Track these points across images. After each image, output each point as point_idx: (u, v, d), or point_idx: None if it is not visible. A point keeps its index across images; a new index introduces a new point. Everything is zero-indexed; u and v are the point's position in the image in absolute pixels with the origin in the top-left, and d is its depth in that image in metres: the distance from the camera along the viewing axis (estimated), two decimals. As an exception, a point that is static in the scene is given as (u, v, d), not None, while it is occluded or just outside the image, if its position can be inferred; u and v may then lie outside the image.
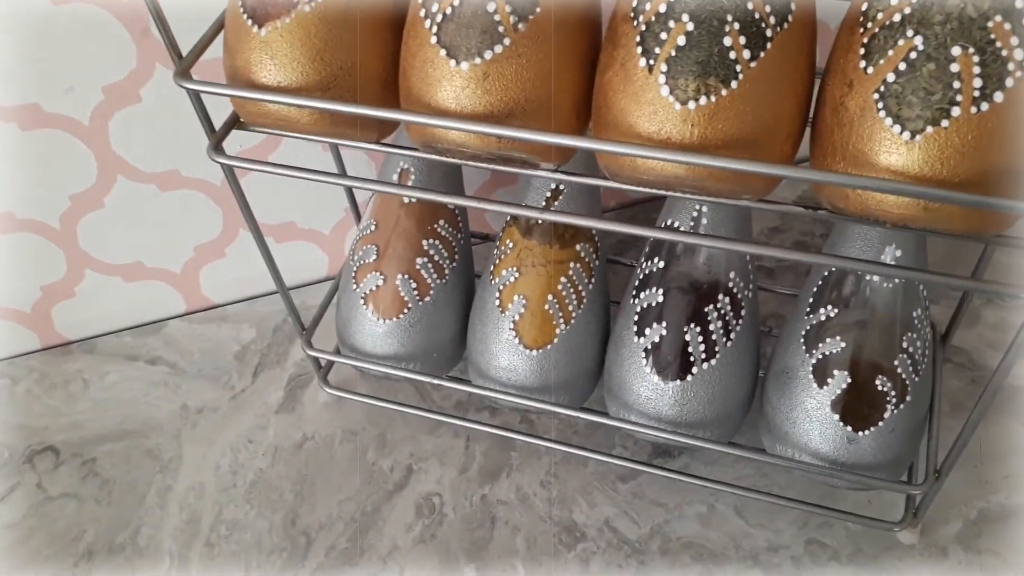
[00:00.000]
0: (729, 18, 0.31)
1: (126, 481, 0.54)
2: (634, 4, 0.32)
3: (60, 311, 0.60)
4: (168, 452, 0.56)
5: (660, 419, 0.45)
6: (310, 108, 0.36)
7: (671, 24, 0.31)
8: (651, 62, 0.32)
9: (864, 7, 0.31)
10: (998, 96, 0.28)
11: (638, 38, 0.32)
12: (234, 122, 0.40)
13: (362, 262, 0.50)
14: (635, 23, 0.32)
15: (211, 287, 0.62)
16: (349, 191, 0.57)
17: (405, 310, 0.50)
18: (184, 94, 0.38)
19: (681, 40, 0.31)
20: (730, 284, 0.45)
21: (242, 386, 0.59)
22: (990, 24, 0.28)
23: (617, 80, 0.33)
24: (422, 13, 0.34)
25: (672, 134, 0.32)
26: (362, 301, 0.50)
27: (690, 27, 0.31)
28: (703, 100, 0.31)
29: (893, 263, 0.43)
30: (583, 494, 0.51)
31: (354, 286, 0.51)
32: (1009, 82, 0.28)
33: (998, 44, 0.28)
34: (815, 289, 0.45)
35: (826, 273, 0.45)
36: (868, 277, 0.44)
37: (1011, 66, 0.28)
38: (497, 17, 0.33)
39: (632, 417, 0.46)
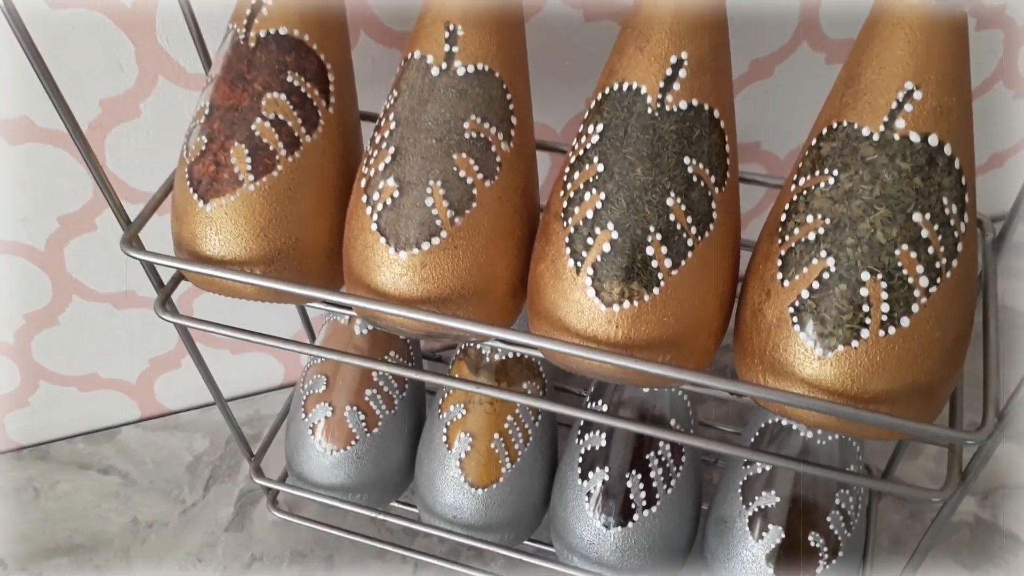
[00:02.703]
0: (652, 228, 0.32)
1: (71, 602, 0.54)
2: (564, 206, 0.33)
3: (13, 419, 0.60)
4: (116, 570, 0.56)
5: (602, 564, 0.46)
6: (252, 284, 0.36)
7: (597, 231, 0.32)
8: (579, 264, 0.33)
9: (783, 218, 0.32)
10: (904, 321, 0.30)
11: (567, 239, 0.33)
12: (179, 279, 0.41)
13: (311, 392, 0.51)
14: (565, 224, 0.33)
15: (166, 395, 0.63)
16: (302, 308, 0.58)
17: (353, 442, 0.50)
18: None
19: (606, 247, 0.32)
20: (671, 425, 0.46)
21: (193, 499, 0.59)
22: (897, 252, 0.30)
23: (548, 275, 0.34)
24: (364, 199, 0.35)
25: (598, 333, 0.33)
26: (310, 431, 0.51)
27: (615, 235, 0.32)
28: (627, 304, 0.32)
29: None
30: (527, 626, 0.52)
31: (303, 415, 0.51)
32: (915, 308, 0.30)
33: (904, 271, 0.30)
34: (752, 440, 0.46)
35: (761, 427, 0.46)
36: (804, 433, 0.45)
37: (916, 292, 0.30)
38: (435, 211, 0.34)
39: (575, 559, 0.47)
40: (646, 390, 0.47)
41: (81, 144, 0.35)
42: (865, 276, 0.30)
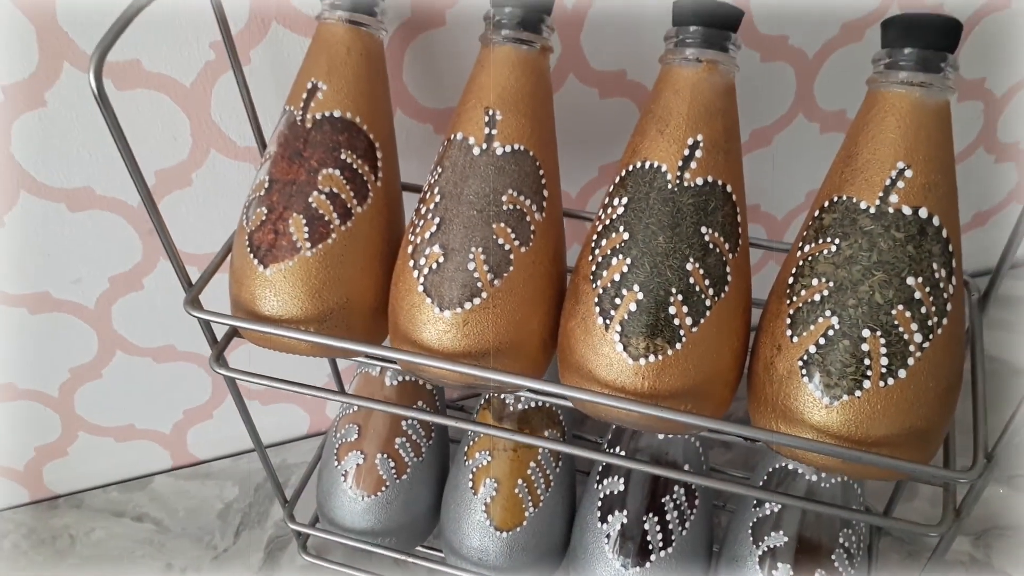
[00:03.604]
0: (673, 289, 0.36)
1: (110, 646, 0.56)
2: (593, 269, 0.37)
3: (51, 468, 0.63)
4: (151, 614, 0.58)
5: (620, 602, 0.49)
6: (307, 341, 0.40)
7: (624, 292, 0.36)
8: (607, 321, 0.36)
9: (791, 280, 0.36)
10: (902, 373, 0.33)
11: (596, 299, 0.37)
12: (231, 336, 0.44)
13: (344, 440, 0.54)
14: (594, 285, 0.37)
15: (197, 445, 0.66)
16: (333, 362, 0.61)
17: (383, 488, 0.53)
18: (180, 285, 0.42)
19: (633, 306, 0.36)
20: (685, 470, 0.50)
21: (224, 545, 0.62)
22: (894, 311, 0.33)
23: (579, 331, 0.37)
24: (411, 263, 0.39)
25: (626, 384, 0.36)
26: (343, 477, 0.54)
27: (640, 296, 0.36)
28: (652, 358, 0.36)
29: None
30: (549, 664, 0.54)
31: (336, 463, 0.54)
32: (911, 361, 0.33)
33: (901, 329, 0.33)
34: (761, 483, 0.50)
35: (768, 471, 0.49)
36: (809, 476, 0.48)
37: (912, 347, 0.33)
38: (476, 275, 0.38)
39: (594, 599, 0.50)
40: (660, 437, 0.51)
41: (153, 212, 0.39)
42: (866, 333, 0.33)
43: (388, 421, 0.54)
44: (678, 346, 0.36)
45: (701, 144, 0.36)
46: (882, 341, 0.33)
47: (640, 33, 0.50)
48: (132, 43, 0.44)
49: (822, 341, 0.34)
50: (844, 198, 0.35)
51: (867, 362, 0.33)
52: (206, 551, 0.61)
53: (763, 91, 0.57)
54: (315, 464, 0.60)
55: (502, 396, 0.54)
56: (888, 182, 0.34)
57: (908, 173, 0.34)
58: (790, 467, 0.49)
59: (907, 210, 0.34)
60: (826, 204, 0.36)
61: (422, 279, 0.39)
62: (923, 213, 0.34)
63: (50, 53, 0.43)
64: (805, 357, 0.35)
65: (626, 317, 0.36)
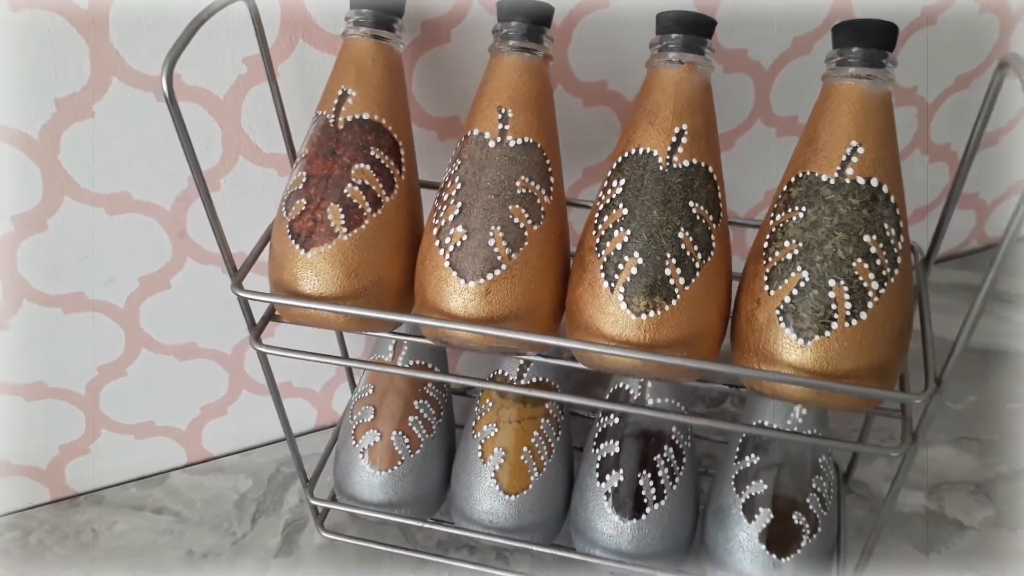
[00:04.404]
0: (668, 255, 0.42)
1: (143, 624, 0.60)
2: (597, 241, 0.43)
3: (73, 467, 0.67)
4: (177, 596, 0.62)
5: (620, 553, 0.54)
6: (350, 315, 0.45)
7: (626, 258, 0.42)
8: (612, 284, 0.42)
9: (766, 245, 0.42)
10: (863, 315, 0.40)
11: (601, 266, 0.43)
12: (270, 316, 0.49)
13: (360, 421, 0.59)
14: (599, 255, 0.43)
15: (211, 441, 0.70)
16: (340, 338, 0.66)
17: (399, 463, 0.58)
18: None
19: (633, 270, 0.42)
20: (673, 436, 0.56)
21: (242, 532, 0.66)
22: (854, 264, 0.40)
23: (587, 295, 0.43)
24: (436, 243, 0.45)
25: (630, 337, 0.42)
26: (361, 455, 0.58)
27: (640, 261, 0.42)
28: (651, 313, 0.42)
29: (800, 422, 0.54)
30: (554, 620, 0.59)
31: (353, 442, 0.59)
32: (870, 304, 0.40)
33: (860, 278, 0.40)
34: (740, 439, 0.56)
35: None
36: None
37: (870, 293, 0.40)
38: (496, 250, 0.44)
39: (596, 552, 0.55)
40: (649, 404, 0.57)
41: (208, 203, 0.44)
42: (832, 283, 0.40)
43: (401, 402, 0.59)
44: (673, 303, 0.42)
45: (686, 132, 0.43)
46: (845, 289, 0.40)
47: (619, 48, 0.57)
48: (173, 59, 0.50)
49: (795, 292, 0.41)
50: (808, 173, 0.42)
51: (833, 307, 0.40)
52: (225, 537, 0.65)
53: (726, 99, 0.64)
54: (330, 448, 0.65)
55: (504, 372, 0.59)
56: (844, 158, 0.41)
57: (860, 150, 0.41)
58: (766, 424, 0.55)
59: (861, 180, 0.41)
60: (792, 180, 0.42)
61: (448, 256, 0.44)
62: (874, 183, 0.41)
63: (101, 69, 0.48)
64: (781, 306, 0.41)
65: (628, 280, 0.42)
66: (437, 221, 0.45)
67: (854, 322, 0.40)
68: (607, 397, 0.58)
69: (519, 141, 0.45)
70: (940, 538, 0.62)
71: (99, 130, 0.51)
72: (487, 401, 0.59)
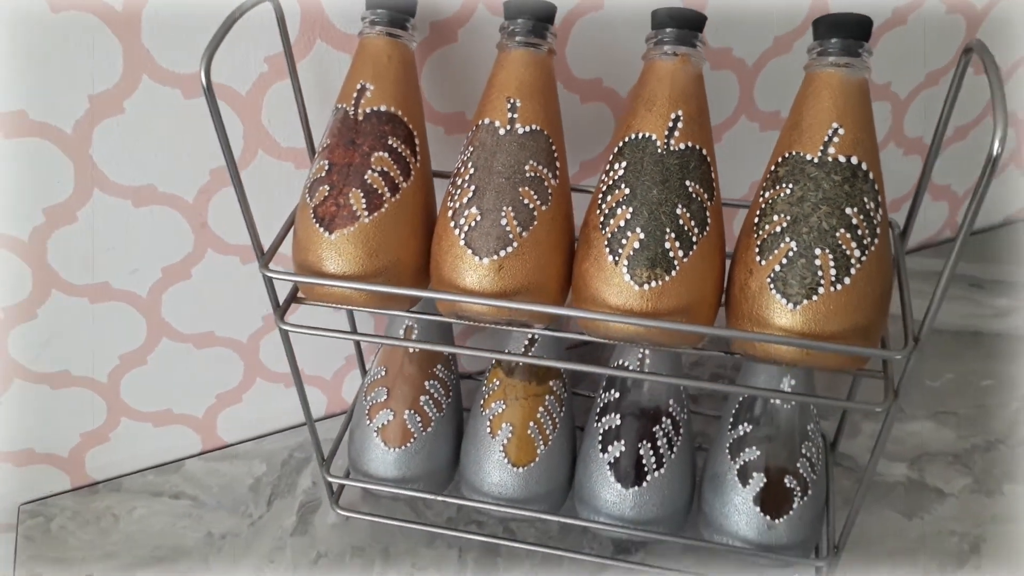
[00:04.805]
0: (667, 230, 0.45)
1: (167, 600, 0.63)
2: (601, 220, 0.47)
3: (93, 455, 0.69)
4: (199, 572, 0.64)
5: (623, 519, 0.58)
6: (371, 292, 0.48)
7: (629, 234, 0.46)
8: (616, 258, 0.46)
9: (756, 220, 0.46)
10: (847, 280, 0.44)
11: (606, 242, 0.46)
12: (294, 296, 0.53)
13: (374, 402, 0.62)
14: (603, 232, 0.47)
15: (226, 429, 0.73)
16: (357, 345, 0.69)
17: (411, 440, 0.61)
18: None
19: (636, 244, 0.45)
20: (670, 409, 0.59)
21: (259, 513, 0.69)
22: (838, 234, 0.44)
23: (593, 269, 0.47)
24: (452, 224, 0.48)
25: (633, 307, 0.46)
26: (375, 434, 0.62)
27: (641, 236, 0.45)
28: (653, 284, 0.45)
29: (790, 390, 0.58)
30: (560, 588, 0.62)
31: (368, 422, 0.62)
32: (853, 271, 0.44)
33: (843, 247, 0.44)
34: (733, 411, 0.60)
35: (740, 399, 0.59)
36: (772, 400, 0.58)
37: (853, 260, 0.44)
38: (508, 228, 0.47)
39: (600, 519, 0.58)
40: (646, 389, 0.60)
41: (241, 195, 0.47)
42: (818, 252, 0.44)
43: (413, 383, 0.62)
44: (673, 273, 0.45)
45: (681, 118, 0.47)
46: (830, 257, 0.44)
47: (612, 47, 0.61)
48: (198, 58, 0.53)
49: (784, 261, 0.44)
50: (794, 153, 0.46)
51: (820, 273, 0.44)
52: (242, 519, 0.68)
53: (713, 95, 0.67)
54: (344, 429, 0.68)
55: (511, 353, 0.62)
56: (826, 139, 0.45)
57: (841, 131, 0.45)
58: (755, 399, 0.59)
59: (842, 158, 0.45)
60: (780, 160, 0.46)
61: (463, 235, 0.48)
62: (854, 160, 0.45)
63: (132, 67, 0.52)
64: (772, 275, 0.45)
65: (631, 253, 0.46)
66: (452, 204, 0.49)
67: (839, 287, 0.44)
68: (607, 376, 0.62)
69: (527, 128, 0.48)
70: (922, 505, 0.66)
71: (129, 125, 0.54)
72: (494, 380, 0.62)
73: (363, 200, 0.49)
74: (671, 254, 0.45)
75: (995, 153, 0.36)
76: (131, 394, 0.67)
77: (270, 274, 0.49)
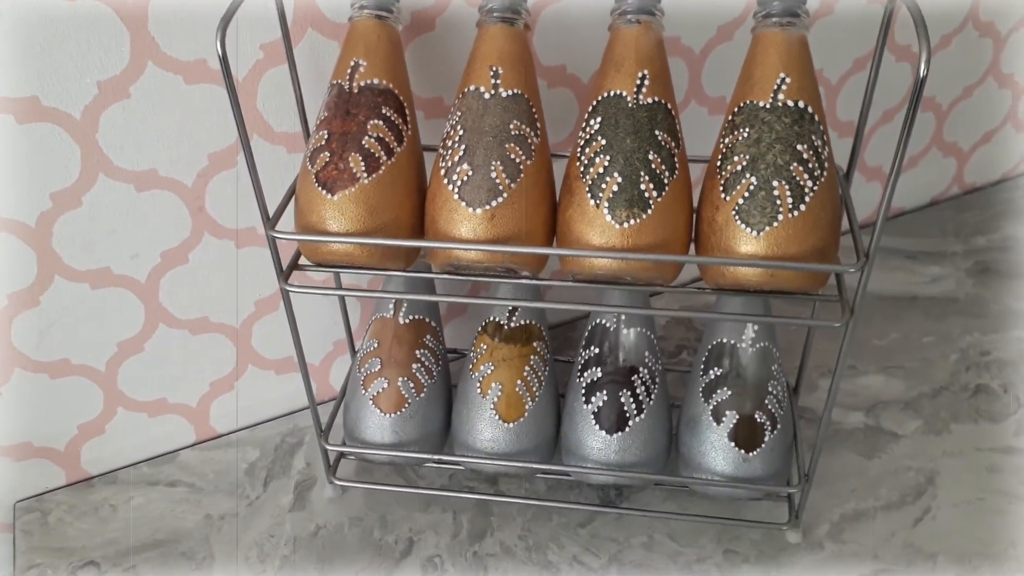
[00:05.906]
0: (642, 174, 0.51)
1: (170, 578, 0.64)
2: (581, 169, 0.52)
3: (89, 447, 0.71)
4: (201, 552, 0.66)
5: (608, 464, 0.62)
6: (372, 247, 0.53)
7: (607, 179, 0.51)
8: (597, 201, 0.51)
9: (719, 163, 0.52)
10: (802, 207, 0.49)
11: (587, 188, 0.51)
12: (296, 260, 0.57)
13: (368, 372, 0.66)
14: (584, 180, 0.52)
15: (218, 418, 0.75)
16: (345, 316, 0.72)
17: (405, 405, 0.65)
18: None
19: (615, 188, 0.51)
20: (646, 360, 0.64)
21: (256, 494, 0.71)
22: (791, 168, 0.50)
23: (577, 214, 0.52)
24: (445, 180, 0.53)
25: (615, 244, 0.51)
26: (371, 402, 0.65)
27: (619, 180, 0.51)
28: (632, 221, 0.50)
29: (753, 336, 0.63)
30: (553, 540, 0.66)
31: (363, 391, 0.65)
32: (807, 199, 0.49)
33: (797, 179, 0.49)
34: (704, 358, 0.65)
35: (709, 347, 0.64)
36: (738, 346, 0.64)
37: (806, 190, 0.49)
38: (497, 180, 0.52)
39: (587, 466, 0.62)
40: (625, 333, 0.65)
41: (250, 162, 0.51)
42: (775, 184, 0.49)
43: (404, 352, 0.66)
44: (649, 211, 0.51)
45: (647, 76, 0.52)
46: (787, 187, 0.49)
47: (574, 36, 0.67)
48: (200, 46, 0.57)
49: (746, 195, 0.50)
50: (748, 102, 0.52)
51: (778, 203, 0.49)
52: (240, 500, 0.70)
53: (665, 82, 0.74)
54: (338, 406, 0.71)
55: (495, 319, 0.67)
56: (775, 87, 0.51)
57: (788, 80, 0.51)
58: (725, 342, 0.64)
59: (791, 103, 0.51)
60: (735, 110, 0.52)
61: (456, 190, 0.52)
62: (801, 104, 0.51)
63: (139, 53, 0.56)
64: (736, 208, 0.50)
65: (611, 196, 0.51)
66: (443, 164, 0.54)
67: (795, 213, 0.49)
68: (586, 333, 0.66)
69: (509, 92, 0.54)
70: (879, 446, 0.72)
71: (134, 111, 0.57)
72: (481, 345, 0.66)
73: (362, 163, 0.53)
74: (647, 195, 0.51)
75: (921, 75, 0.42)
76: (128, 383, 0.69)
77: (276, 235, 0.53)
